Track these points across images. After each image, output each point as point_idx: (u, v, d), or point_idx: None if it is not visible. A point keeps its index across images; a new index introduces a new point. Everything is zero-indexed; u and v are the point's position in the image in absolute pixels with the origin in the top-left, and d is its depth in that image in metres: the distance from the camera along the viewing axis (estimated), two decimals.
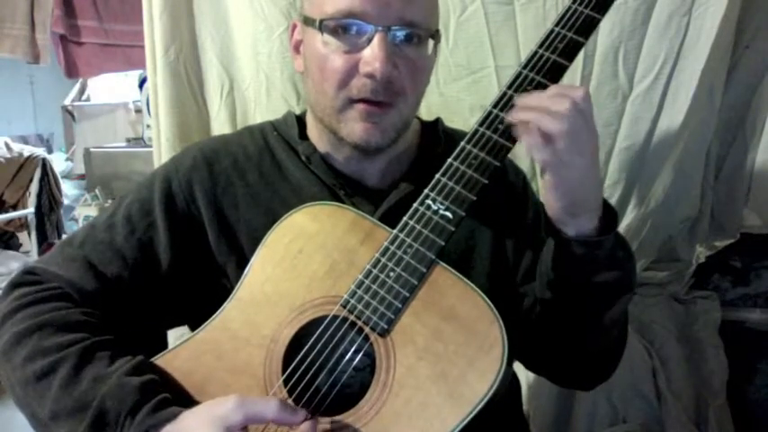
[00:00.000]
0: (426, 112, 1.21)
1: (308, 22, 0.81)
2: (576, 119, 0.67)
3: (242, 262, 0.81)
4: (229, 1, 1.33)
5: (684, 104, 1.17)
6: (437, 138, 0.92)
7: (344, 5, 0.76)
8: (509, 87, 0.73)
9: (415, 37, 0.79)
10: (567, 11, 0.72)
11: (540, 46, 0.72)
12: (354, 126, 0.80)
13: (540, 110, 0.68)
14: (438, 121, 0.95)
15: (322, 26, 0.78)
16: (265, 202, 0.85)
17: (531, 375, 1.33)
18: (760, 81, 1.23)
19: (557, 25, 0.72)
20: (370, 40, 0.77)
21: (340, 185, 0.86)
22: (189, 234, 0.85)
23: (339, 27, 0.78)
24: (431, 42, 0.82)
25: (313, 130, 0.89)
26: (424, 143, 0.92)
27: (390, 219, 0.78)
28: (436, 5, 0.85)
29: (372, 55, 0.76)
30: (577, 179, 0.69)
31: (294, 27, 0.88)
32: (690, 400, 1.33)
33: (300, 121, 0.92)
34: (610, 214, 0.76)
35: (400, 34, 0.78)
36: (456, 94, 1.26)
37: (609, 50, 1.17)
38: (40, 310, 0.76)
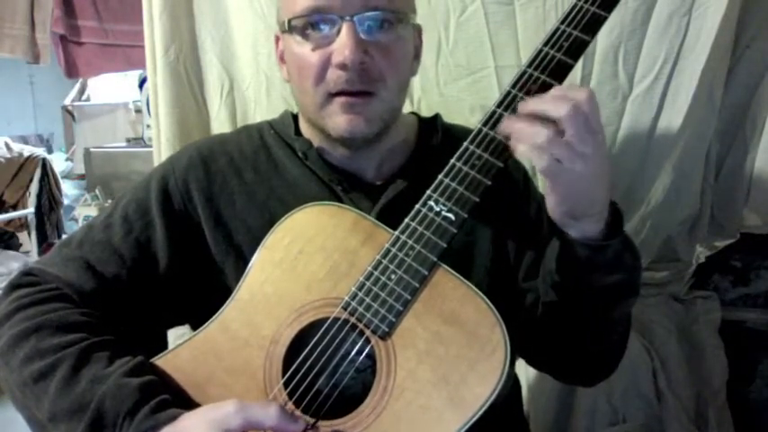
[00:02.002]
0: (427, 111, 1.20)
1: (282, 28, 0.83)
2: (577, 123, 0.65)
3: (240, 260, 0.82)
4: (229, 1, 1.33)
5: (684, 104, 1.17)
6: (435, 131, 0.92)
7: (308, 2, 0.77)
8: (513, 86, 0.72)
9: (385, 22, 0.79)
10: (572, 8, 0.71)
11: (546, 44, 0.71)
12: (337, 119, 0.80)
13: (533, 117, 0.67)
14: (437, 116, 0.95)
15: (291, 26, 0.79)
16: (262, 199, 0.86)
17: (532, 376, 1.33)
18: (760, 81, 1.23)
19: (562, 23, 0.71)
20: (339, 32, 0.77)
21: (337, 181, 0.86)
22: (186, 233, 0.85)
23: (307, 24, 0.79)
24: (402, 26, 0.81)
25: (307, 130, 0.89)
26: (421, 138, 0.92)
27: (389, 214, 0.78)
28: None
29: (341, 44, 0.76)
30: (578, 184, 0.68)
31: (277, 39, 0.89)
32: (690, 400, 1.32)
33: (297, 119, 0.92)
34: (617, 218, 0.75)
35: (368, 21, 0.78)
36: (456, 94, 1.26)
37: (609, 50, 1.17)
38: (38, 312, 0.76)
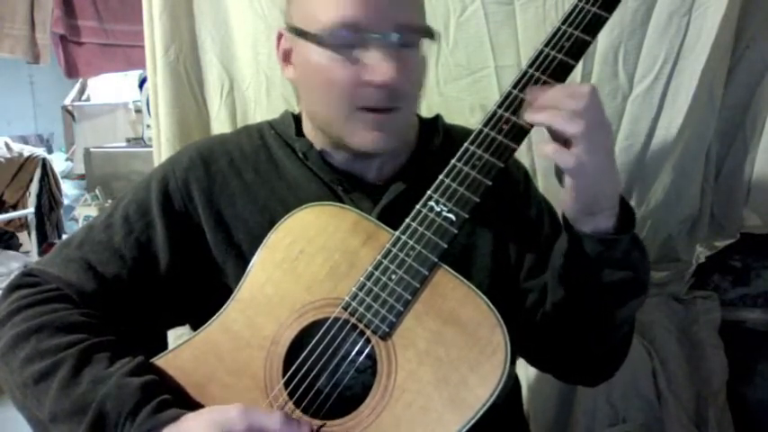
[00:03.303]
0: (427, 111, 1.20)
1: (301, 33, 0.80)
2: (593, 117, 0.67)
3: (241, 260, 0.82)
4: (229, 1, 1.33)
5: (684, 104, 1.17)
6: (435, 132, 0.92)
7: (342, 17, 0.76)
8: (514, 87, 0.72)
9: (412, 40, 0.79)
10: (573, 9, 0.71)
11: (547, 45, 0.71)
12: (363, 134, 0.79)
13: (557, 109, 0.68)
14: (438, 117, 0.95)
15: (321, 39, 0.77)
16: (263, 199, 0.85)
17: (532, 375, 1.33)
18: (760, 81, 1.23)
19: (563, 24, 0.71)
20: (371, 49, 0.76)
21: (337, 182, 0.86)
22: (187, 233, 0.85)
23: (340, 39, 0.77)
24: (422, 42, 0.81)
25: (309, 130, 0.89)
26: (422, 138, 0.92)
27: (390, 215, 0.78)
28: (423, 2, 0.84)
29: (377, 63, 0.76)
30: (594, 178, 0.69)
31: (280, 36, 0.86)
32: (690, 401, 1.33)
33: (297, 119, 0.92)
34: (628, 213, 0.75)
35: (397, 39, 0.77)
36: (456, 94, 1.26)
37: (609, 50, 1.17)
38: (38, 312, 0.76)
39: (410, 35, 0.78)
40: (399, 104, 0.79)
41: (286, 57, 0.86)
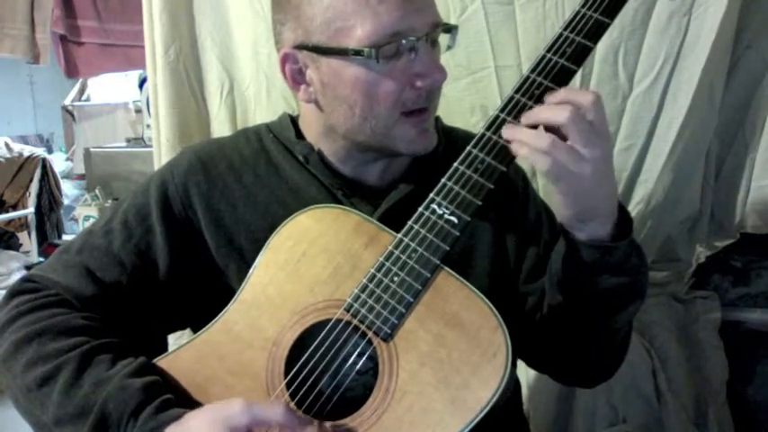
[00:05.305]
0: None
1: (329, 51, 0.77)
2: (579, 127, 0.66)
3: (242, 263, 0.82)
4: (229, 1, 1.33)
5: (684, 104, 1.17)
6: (437, 136, 0.92)
7: (389, 27, 0.74)
8: (517, 92, 0.72)
9: (437, 36, 0.80)
10: (576, 15, 0.71)
11: (549, 50, 0.72)
12: (412, 138, 0.80)
13: (534, 124, 0.68)
14: (437, 119, 0.95)
15: (364, 53, 0.74)
16: (263, 203, 0.85)
17: (531, 375, 1.33)
18: (760, 81, 1.23)
19: (565, 29, 0.71)
20: (411, 50, 0.76)
21: (338, 185, 0.85)
22: (187, 237, 0.84)
23: (386, 50, 0.75)
24: None
25: (314, 135, 0.88)
26: None
27: (390, 218, 0.78)
28: None
29: (429, 68, 0.76)
30: (585, 187, 0.68)
31: (285, 58, 0.82)
32: (690, 400, 1.33)
33: (295, 121, 0.91)
34: (625, 220, 0.75)
35: (432, 38, 0.78)
36: (456, 94, 1.26)
37: (609, 50, 1.18)
38: (38, 317, 0.76)
39: (437, 32, 0.79)
40: (434, 102, 0.81)
41: (296, 78, 0.83)
